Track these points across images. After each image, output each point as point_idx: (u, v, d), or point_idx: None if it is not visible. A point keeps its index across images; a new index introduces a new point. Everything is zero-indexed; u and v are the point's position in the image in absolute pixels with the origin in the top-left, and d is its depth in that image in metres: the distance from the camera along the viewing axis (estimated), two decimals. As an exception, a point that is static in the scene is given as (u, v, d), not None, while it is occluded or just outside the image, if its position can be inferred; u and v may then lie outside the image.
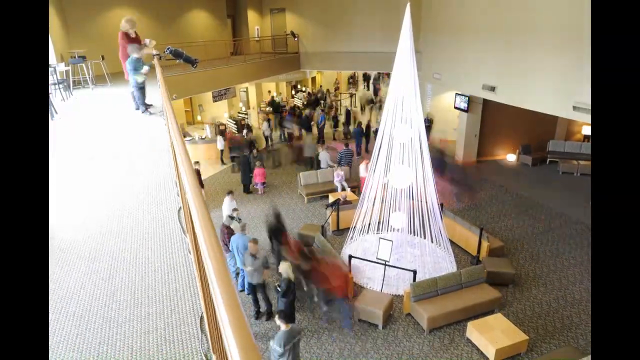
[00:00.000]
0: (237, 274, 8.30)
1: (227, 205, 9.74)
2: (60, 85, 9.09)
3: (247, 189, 13.45)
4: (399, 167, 8.76)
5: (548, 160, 15.45)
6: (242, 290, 8.22)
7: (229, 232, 8.45)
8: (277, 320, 5.55)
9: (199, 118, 18.40)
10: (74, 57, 10.63)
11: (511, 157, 16.00)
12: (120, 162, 4.95)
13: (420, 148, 8.68)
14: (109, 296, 2.38)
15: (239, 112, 19.49)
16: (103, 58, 11.11)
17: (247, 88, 21.98)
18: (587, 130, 16.05)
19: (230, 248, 8.03)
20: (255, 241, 7.49)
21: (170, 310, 2.20)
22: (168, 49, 6.57)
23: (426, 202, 8.93)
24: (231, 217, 8.80)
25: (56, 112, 7.42)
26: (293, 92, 24.32)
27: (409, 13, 8.11)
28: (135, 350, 1.95)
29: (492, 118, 15.29)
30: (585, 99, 9.21)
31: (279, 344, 5.41)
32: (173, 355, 1.91)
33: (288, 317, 5.71)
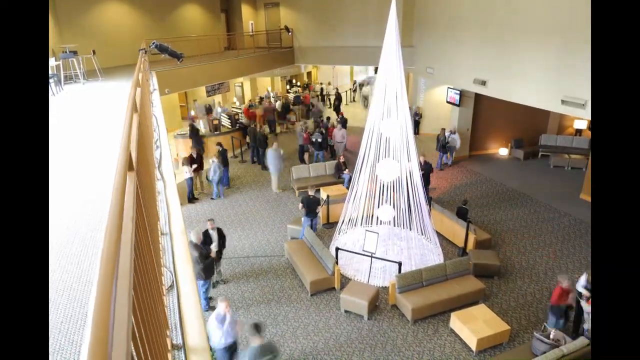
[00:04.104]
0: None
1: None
2: (51, 80, 9.14)
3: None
4: (386, 161, 8.85)
5: (540, 154, 15.54)
6: None
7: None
8: (250, 332, 5.26)
9: (192, 113, 18.41)
10: (65, 52, 10.66)
11: (503, 151, 16.09)
12: (102, 151, 5.02)
13: (407, 141, 8.78)
14: (77, 278, 2.48)
15: (233, 107, 19.53)
16: (94, 53, 11.15)
17: (242, 83, 22.02)
18: (578, 124, 16.13)
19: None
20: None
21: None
22: (153, 43, 6.62)
23: (414, 194, 9.02)
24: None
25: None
26: (288, 87, 24.34)
27: (394, 7, 8.20)
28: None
29: (484, 112, 15.36)
30: (574, 92, 9.28)
31: None
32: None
33: (261, 329, 5.29)
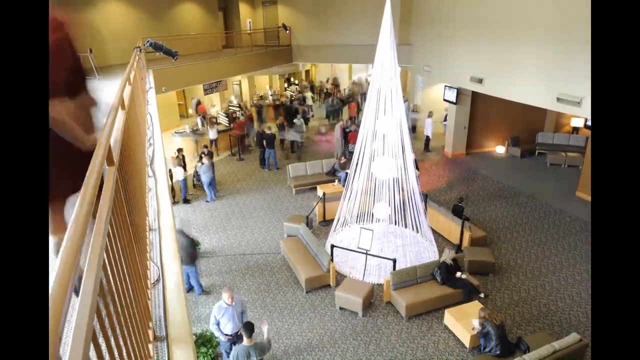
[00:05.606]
0: None
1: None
2: (47, 78, 9.15)
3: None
4: (382, 159, 8.88)
5: (537, 152, 15.57)
6: None
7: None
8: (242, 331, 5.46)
9: (190, 111, 18.45)
10: (62, 50, 10.67)
11: (500, 149, 16.12)
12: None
13: (402, 139, 8.80)
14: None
15: (230, 105, 19.53)
16: (91, 51, 11.15)
17: (239, 81, 22.02)
18: (575, 122, 16.15)
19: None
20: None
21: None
22: (148, 41, 6.65)
23: (409, 192, 9.06)
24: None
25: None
26: (286, 85, 24.34)
27: (389, 7, 8.23)
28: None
29: (481, 110, 15.38)
30: (569, 90, 9.31)
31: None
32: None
33: (252, 329, 5.39)
